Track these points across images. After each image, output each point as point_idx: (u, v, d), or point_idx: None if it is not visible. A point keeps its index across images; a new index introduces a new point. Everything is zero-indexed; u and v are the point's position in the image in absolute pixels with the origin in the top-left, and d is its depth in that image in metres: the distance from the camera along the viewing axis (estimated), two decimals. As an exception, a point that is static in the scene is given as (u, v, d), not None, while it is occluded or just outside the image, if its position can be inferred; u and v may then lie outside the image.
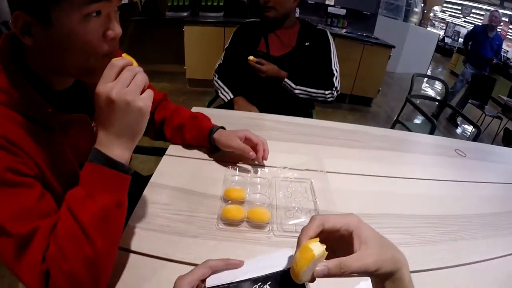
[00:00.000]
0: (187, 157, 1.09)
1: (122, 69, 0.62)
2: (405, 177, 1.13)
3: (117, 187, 0.65)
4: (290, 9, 1.76)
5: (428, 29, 11.22)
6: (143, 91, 0.64)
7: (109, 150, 0.63)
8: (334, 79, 1.75)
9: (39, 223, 0.60)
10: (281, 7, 1.71)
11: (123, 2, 0.63)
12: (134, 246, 0.74)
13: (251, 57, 1.69)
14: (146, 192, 0.91)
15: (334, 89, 1.75)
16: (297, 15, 3.91)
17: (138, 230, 0.78)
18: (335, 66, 1.79)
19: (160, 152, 1.15)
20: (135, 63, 0.66)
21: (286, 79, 1.72)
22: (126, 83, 0.61)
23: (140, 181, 0.96)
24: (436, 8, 13.93)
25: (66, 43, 0.62)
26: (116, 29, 0.66)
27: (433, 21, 14.48)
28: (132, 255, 0.71)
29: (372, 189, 1.04)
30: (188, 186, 0.94)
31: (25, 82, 0.66)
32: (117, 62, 0.63)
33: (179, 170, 1.03)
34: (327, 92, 1.73)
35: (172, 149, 1.13)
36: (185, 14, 4.61)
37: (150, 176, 0.99)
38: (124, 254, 0.71)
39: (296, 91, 1.72)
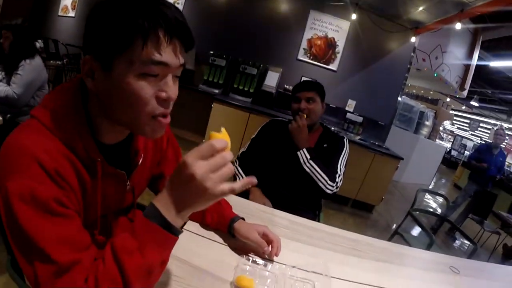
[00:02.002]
0: (204, 237, 1.16)
1: (218, 152, 0.65)
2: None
3: (167, 246, 0.69)
4: (319, 116, 1.94)
5: (437, 141, 11.60)
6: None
7: (169, 213, 0.66)
8: (337, 176, 1.82)
9: (81, 256, 0.64)
10: (314, 116, 1.89)
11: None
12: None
13: (304, 115, 1.85)
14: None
15: (335, 184, 1.79)
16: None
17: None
18: (341, 166, 1.87)
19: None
20: (229, 142, 0.69)
21: (304, 150, 1.82)
22: (214, 168, 0.64)
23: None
24: (446, 122, 14.45)
25: (121, 93, 0.67)
26: (170, 92, 0.71)
27: (442, 134, 14.96)
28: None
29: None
30: (201, 265, 0.99)
31: (85, 127, 0.72)
32: (217, 144, 0.65)
33: (194, 247, 1.08)
34: (329, 182, 1.78)
35: (190, 224, 1.20)
36: (216, 91, 4.94)
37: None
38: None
39: (307, 165, 1.80)
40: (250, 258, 1.07)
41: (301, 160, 1.82)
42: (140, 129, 0.74)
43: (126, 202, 0.97)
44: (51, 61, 5.72)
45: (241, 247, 1.14)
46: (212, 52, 5.10)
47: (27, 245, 0.61)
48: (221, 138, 0.68)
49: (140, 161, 0.93)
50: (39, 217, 0.61)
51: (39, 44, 5.60)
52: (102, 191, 0.81)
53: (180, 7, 5.44)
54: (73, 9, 7.09)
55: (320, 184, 1.78)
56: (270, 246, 1.11)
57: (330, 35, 5.10)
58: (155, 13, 0.65)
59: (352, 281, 1.14)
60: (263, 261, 1.08)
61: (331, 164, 1.87)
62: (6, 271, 0.97)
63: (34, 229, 0.61)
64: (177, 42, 0.69)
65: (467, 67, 7.31)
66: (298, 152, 1.84)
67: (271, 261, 1.12)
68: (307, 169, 1.80)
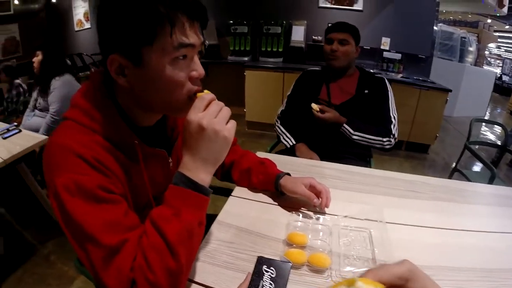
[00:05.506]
0: (252, 200, 1.17)
1: (210, 102, 0.73)
2: (463, 229, 1.09)
3: (200, 207, 0.73)
4: (353, 58, 1.86)
5: (485, 67, 10.75)
6: (227, 123, 0.74)
7: (194, 174, 0.72)
8: (392, 126, 1.77)
9: (128, 235, 0.67)
10: (346, 57, 1.82)
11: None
12: (198, 278, 0.80)
13: (314, 106, 1.77)
14: (212, 229, 0.99)
15: (392, 136, 1.76)
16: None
17: (203, 264, 0.84)
18: (393, 113, 1.82)
19: (226, 193, 1.23)
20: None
21: (344, 125, 1.77)
22: (214, 114, 0.71)
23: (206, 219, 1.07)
24: (491, 45, 13.38)
25: (157, 83, 0.72)
26: (200, 70, 0.76)
27: (489, 59, 13.87)
28: (196, 286, 0.78)
29: (430, 241, 1.03)
30: (253, 227, 1.01)
31: (116, 115, 0.77)
32: (206, 95, 0.73)
33: (244, 211, 1.10)
34: (384, 140, 1.75)
35: (238, 190, 1.22)
36: (246, 58, 4.92)
37: (214, 214, 1.06)
38: (188, 285, 0.78)
39: (354, 137, 1.76)
40: (300, 213, 1.05)
41: (348, 136, 1.79)
42: (178, 111, 0.79)
43: None
44: (80, 74, 5.89)
45: (291, 204, 1.13)
46: (231, 21, 5.00)
47: (78, 232, 0.65)
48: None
49: (178, 136, 0.97)
50: (86, 205, 0.66)
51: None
52: (148, 172, 0.85)
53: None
54: (87, 20, 7.32)
55: (377, 146, 1.78)
56: (320, 198, 1.09)
57: (346, -28, 4.71)
58: None
59: (410, 225, 1.10)
60: (315, 215, 1.07)
61: (383, 115, 1.81)
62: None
63: (82, 217, 0.65)
64: (196, 23, 0.73)
65: (501, -22, 6.47)
66: (341, 130, 1.80)
67: (323, 213, 1.10)
68: (357, 140, 1.78)
